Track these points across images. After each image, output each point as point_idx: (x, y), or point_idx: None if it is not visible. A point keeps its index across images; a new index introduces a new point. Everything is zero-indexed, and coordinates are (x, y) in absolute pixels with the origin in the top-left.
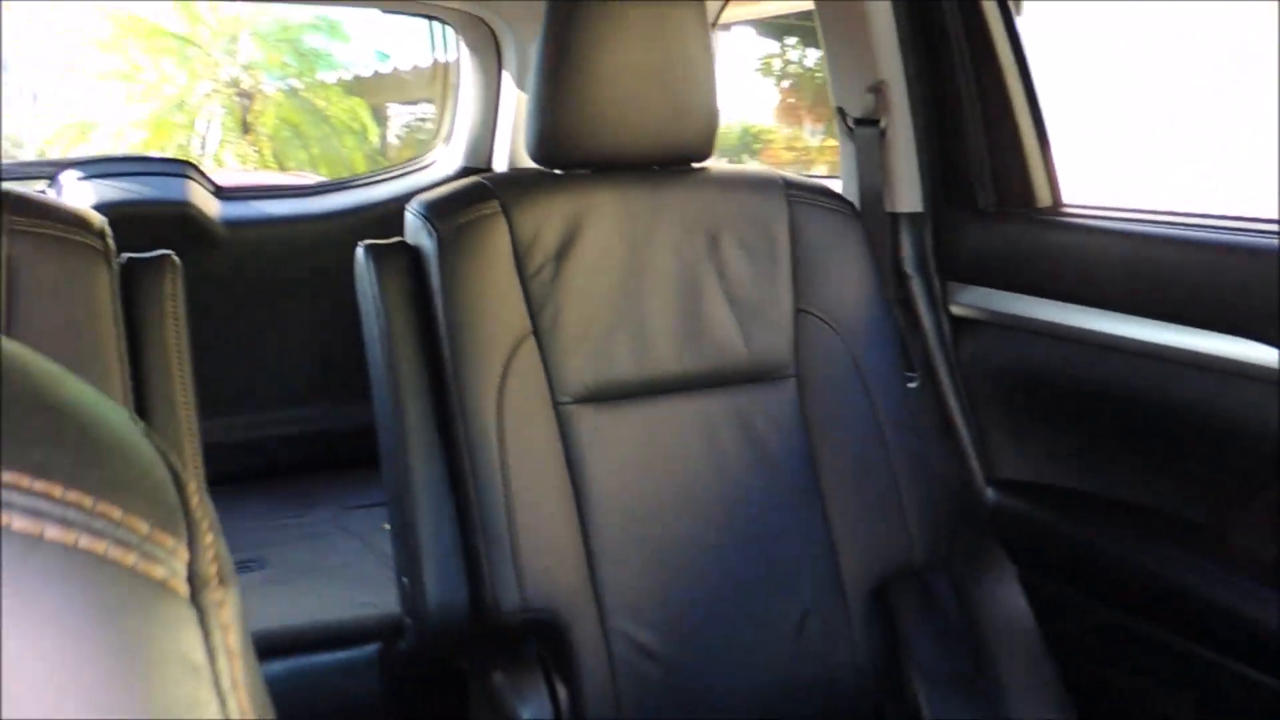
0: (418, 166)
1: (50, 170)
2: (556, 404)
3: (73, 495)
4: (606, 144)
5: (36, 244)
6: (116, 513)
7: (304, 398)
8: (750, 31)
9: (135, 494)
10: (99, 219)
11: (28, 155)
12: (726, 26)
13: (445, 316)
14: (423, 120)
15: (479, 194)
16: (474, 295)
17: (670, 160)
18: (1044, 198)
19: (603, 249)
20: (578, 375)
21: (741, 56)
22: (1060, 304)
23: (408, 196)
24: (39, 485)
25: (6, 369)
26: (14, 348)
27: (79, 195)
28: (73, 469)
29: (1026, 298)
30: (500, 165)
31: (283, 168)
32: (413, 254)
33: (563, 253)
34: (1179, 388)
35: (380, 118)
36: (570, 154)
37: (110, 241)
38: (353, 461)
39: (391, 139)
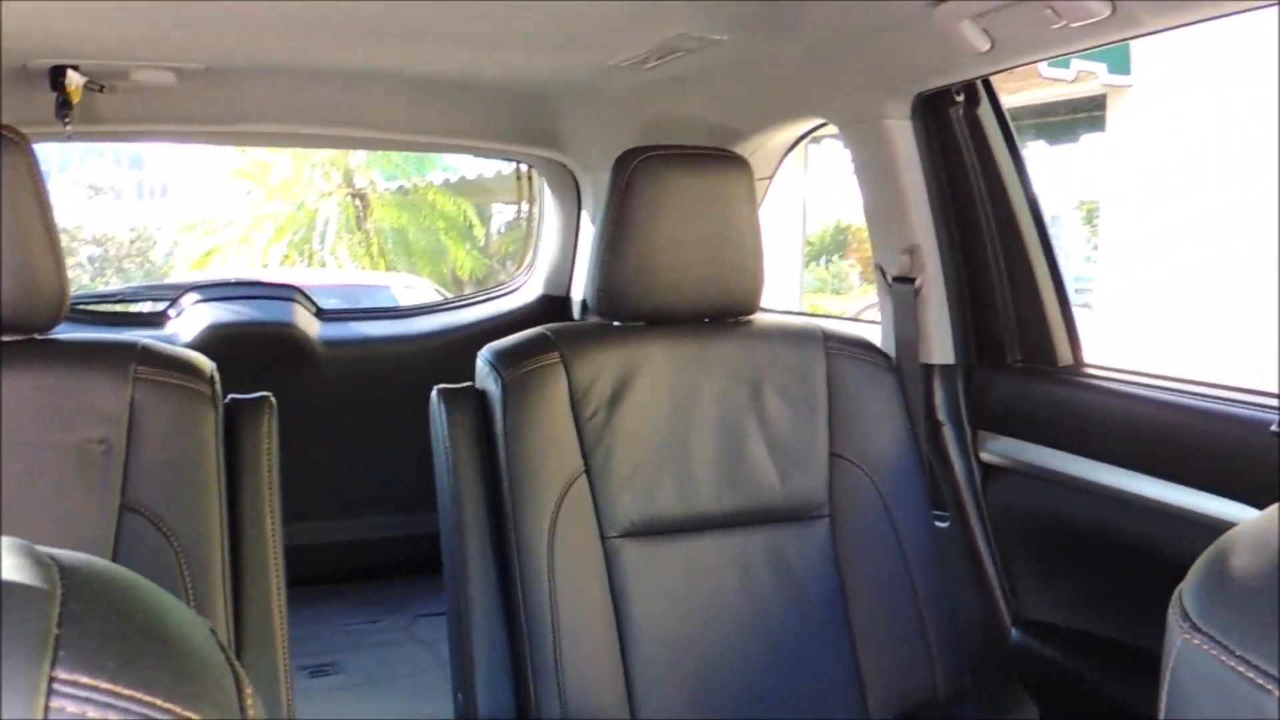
0: (502, 292)
1: (172, 293)
2: (604, 537)
3: (170, 705)
4: (660, 300)
5: (157, 391)
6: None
7: (389, 505)
8: (838, 144)
9: (211, 703)
10: (209, 366)
11: (161, 248)
12: (818, 140)
13: (507, 456)
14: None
15: (541, 345)
16: (533, 437)
17: (719, 314)
18: (1065, 355)
19: (652, 396)
20: (625, 512)
21: (832, 164)
22: (1082, 459)
23: (492, 320)
24: (147, 697)
25: (131, 605)
26: (134, 581)
27: (196, 316)
28: (171, 685)
29: (1051, 450)
30: (578, 295)
31: (389, 266)
32: (480, 397)
33: (615, 399)
34: (1189, 545)
35: (485, 217)
36: (627, 308)
37: (218, 387)
38: (430, 568)
39: (494, 234)
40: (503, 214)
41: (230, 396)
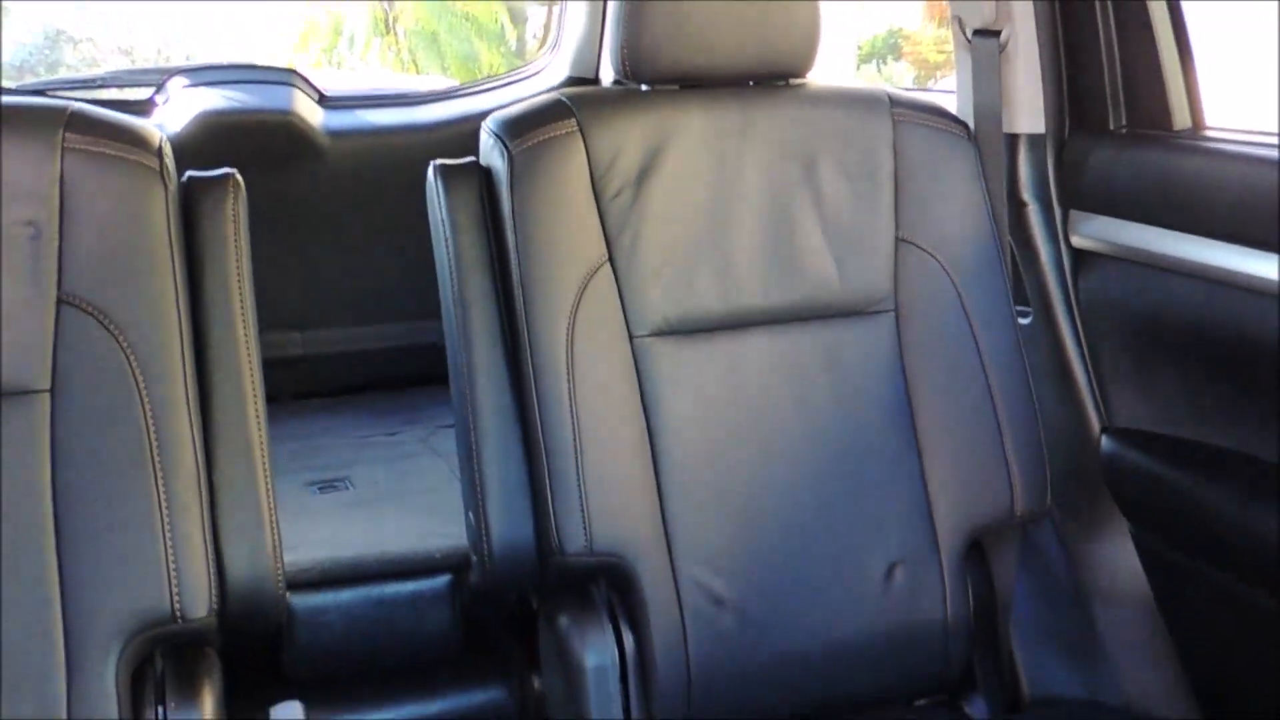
0: (523, 76)
1: (157, 78)
2: (632, 337)
3: None
4: (696, 57)
5: (92, 162)
6: None
7: (405, 310)
8: None
9: None
10: (157, 136)
11: (197, 60)
12: None
13: (516, 242)
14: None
15: (555, 112)
16: (546, 220)
17: (766, 76)
18: (1183, 119)
19: (687, 172)
20: (656, 307)
21: None
22: (1197, 239)
23: (512, 105)
24: None
25: None
26: None
27: (185, 103)
28: None
29: (1159, 230)
30: (608, 77)
31: (420, 71)
32: (485, 175)
33: (643, 175)
34: None
35: (519, 18)
36: (656, 68)
37: (168, 160)
38: None
39: (530, 40)
40: (538, 17)
41: (187, 174)
